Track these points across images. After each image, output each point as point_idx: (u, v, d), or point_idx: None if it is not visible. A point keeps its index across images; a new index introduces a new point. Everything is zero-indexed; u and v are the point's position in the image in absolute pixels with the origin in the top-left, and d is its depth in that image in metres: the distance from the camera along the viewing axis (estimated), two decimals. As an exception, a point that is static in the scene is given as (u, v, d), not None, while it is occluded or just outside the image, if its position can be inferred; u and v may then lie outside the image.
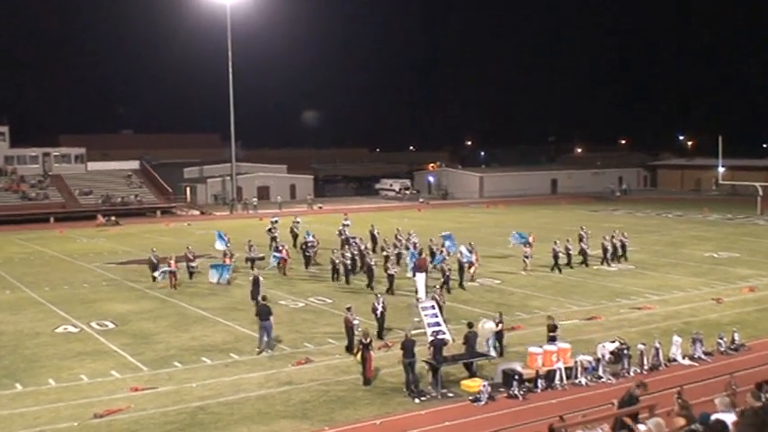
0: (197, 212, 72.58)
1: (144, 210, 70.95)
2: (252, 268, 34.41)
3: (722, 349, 21.44)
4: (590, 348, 20.71)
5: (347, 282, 32.55)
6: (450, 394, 18.31)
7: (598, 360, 19.44)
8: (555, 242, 35.59)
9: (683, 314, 26.50)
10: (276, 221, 44.33)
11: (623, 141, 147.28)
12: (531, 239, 37.23)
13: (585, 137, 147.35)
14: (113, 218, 63.31)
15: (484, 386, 17.95)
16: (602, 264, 36.34)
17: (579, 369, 19.10)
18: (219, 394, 18.54)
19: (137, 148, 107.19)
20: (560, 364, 19.00)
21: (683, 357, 20.72)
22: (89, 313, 27.84)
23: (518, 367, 18.79)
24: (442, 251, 33.63)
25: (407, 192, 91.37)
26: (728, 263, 37.36)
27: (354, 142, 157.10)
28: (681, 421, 9.08)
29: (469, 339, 19.76)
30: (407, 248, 35.52)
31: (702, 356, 20.87)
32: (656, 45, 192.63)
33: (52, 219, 64.78)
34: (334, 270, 33.27)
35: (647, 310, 27.19)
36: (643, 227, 50.17)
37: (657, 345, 20.32)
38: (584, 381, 18.95)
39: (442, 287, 27.44)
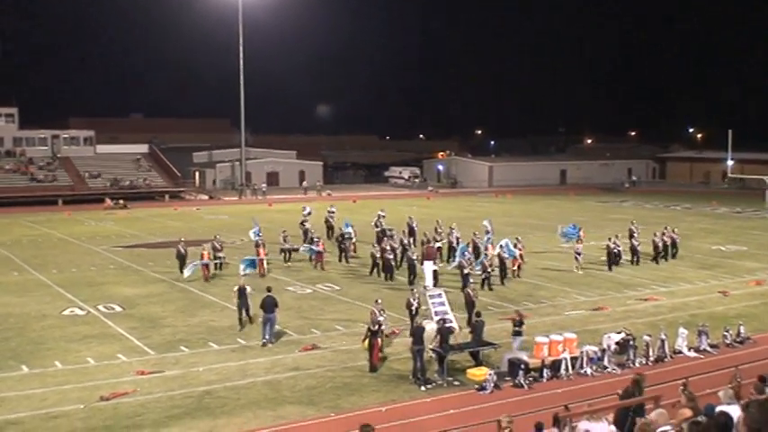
0: (206, 197, 72.72)
1: (152, 194, 71.18)
2: (287, 260, 34.08)
3: (728, 342, 21.42)
4: (596, 339, 20.70)
5: (391, 278, 30.54)
6: (457, 382, 18.34)
7: (604, 350, 19.44)
8: (609, 239, 34.16)
9: (689, 306, 26.46)
10: (309, 213, 41.68)
11: (633, 133, 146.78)
12: (581, 234, 35.14)
13: (595, 128, 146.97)
14: (121, 201, 63.51)
15: (490, 375, 17.98)
16: (653, 261, 34.76)
17: (585, 359, 19.11)
18: (226, 379, 18.61)
19: (146, 131, 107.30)
20: (566, 354, 19.02)
21: (689, 349, 20.71)
22: (96, 296, 27.95)
23: (524, 356, 18.84)
24: (487, 248, 32.50)
25: (416, 180, 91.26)
26: (736, 256, 37.24)
27: (364, 130, 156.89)
28: (687, 413, 9.08)
29: (476, 328, 19.81)
30: (448, 242, 34.00)
31: (708, 349, 20.86)
32: (660, 43, 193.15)
33: (60, 201, 65.13)
34: (374, 265, 31.61)
35: (654, 301, 27.15)
36: (651, 219, 49.98)
37: (663, 336, 20.28)
38: (589, 371, 18.96)
39: (482, 283, 27.87)
